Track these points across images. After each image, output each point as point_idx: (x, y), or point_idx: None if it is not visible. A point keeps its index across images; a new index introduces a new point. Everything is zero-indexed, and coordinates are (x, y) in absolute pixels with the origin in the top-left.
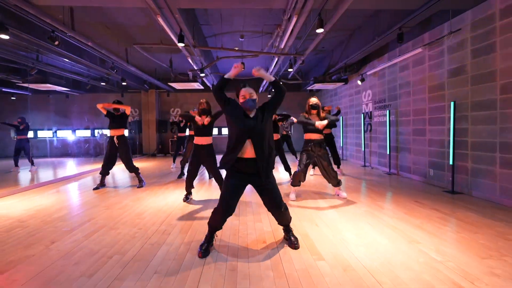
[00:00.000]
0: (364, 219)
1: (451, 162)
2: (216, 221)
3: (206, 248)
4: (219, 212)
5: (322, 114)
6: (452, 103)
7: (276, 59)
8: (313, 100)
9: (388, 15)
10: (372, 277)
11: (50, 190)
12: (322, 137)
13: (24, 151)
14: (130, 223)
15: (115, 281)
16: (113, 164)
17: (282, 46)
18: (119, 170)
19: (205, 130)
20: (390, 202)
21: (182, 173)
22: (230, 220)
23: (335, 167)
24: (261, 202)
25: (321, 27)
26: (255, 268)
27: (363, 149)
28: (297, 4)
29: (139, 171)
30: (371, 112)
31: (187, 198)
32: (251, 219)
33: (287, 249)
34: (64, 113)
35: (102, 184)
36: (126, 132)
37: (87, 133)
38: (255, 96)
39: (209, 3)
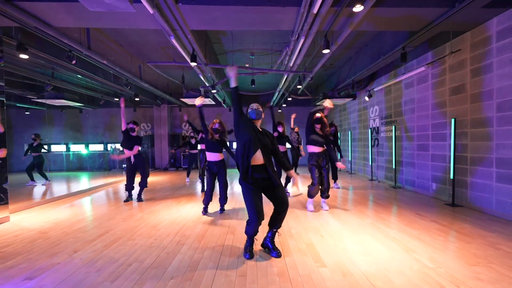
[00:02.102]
0: (366, 230)
1: (451, 176)
2: (253, 231)
3: (251, 250)
4: (255, 222)
5: (327, 129)
6: (453, 120)
7: (286, 76)
8: (317, 115)
9: (392, 34)
10: (368, 281)
11: (66, 203)
12: (325, 149)
13: (37, 167)
14: (146, 234)
15: (135, 285)
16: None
17: (291, 64)
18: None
19: (215, 146)
20: (393, 214)
21: (203, 187)
22: (240, 231)
23: (332, 181)
24: (268, 211)
25: (328, 48)
26: (262, 274)
27: (370, 163)
28: (304, 26)
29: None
30: (378, 127)
31: (205, 211)
32: (261, 229)
33: (292, 257)
34: (77, 128)
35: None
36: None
37: (100, 147)
38: (261, 108)
39: (220, 25)
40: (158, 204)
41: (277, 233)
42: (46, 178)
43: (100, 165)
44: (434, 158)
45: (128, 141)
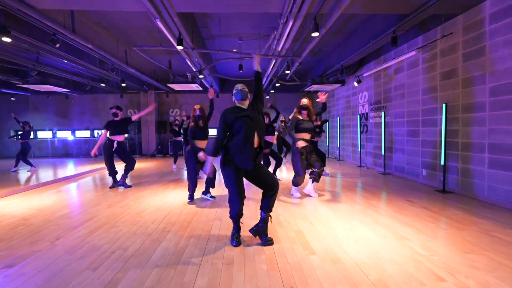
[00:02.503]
0: (357, 217)
1: (442, 163)
2: (237, 209)
3: (238, 237)
4: (237, 201)
5: (313, 117)
6: (444, 105)
7: (274, 61)
8: (304, 101)
9: (383, 19)
10: (360, 269)
11: (51, 190)
12: (311, 135)
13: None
14: (131, 221)
15: (118, 273)
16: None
17: (279, 49)
18: (119, 170)
19: (202, 133)
20: (383, 201)
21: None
22: (226, 218)
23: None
24: (257, 199)
25: (317, 31)
26: (250, 262)
27: (359, 149)
28: (293, 8)
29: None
30: (367, 113)
31: (191, 199)
32: (247, 215)
33: (280, 244)
34: (64, 114)
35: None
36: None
37: (87, 133)
38: (246, 89)
39: (206, 7)
40: (144, 190)
41: (270, 218)
42: (30, 164)
43: (87, 151)
44: (424, 144)
45: (115, 127)
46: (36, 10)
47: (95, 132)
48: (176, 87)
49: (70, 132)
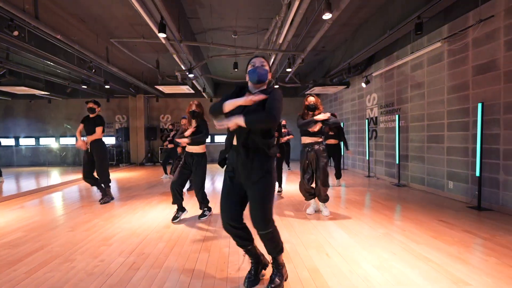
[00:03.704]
0: (384, 246)
1: (477, 174)
2: (230, 234)
3: (250, 277)
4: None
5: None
6: (479, 105)
7: (274, 57)
8: (311, 99)
9: (401, 5)
10: None
11: (14, 205)
12: (321, 139)
13: None
14: (91, 252)
15: None
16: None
17: (280, 41)
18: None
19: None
20: (410, 221)
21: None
22: (216, 248)
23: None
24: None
25: (329, 11)
26: None
27: (367, 158)
28: None
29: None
30: (376, 117)
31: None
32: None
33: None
34: (47, 120)
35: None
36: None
37: (65, 141)
38: (267, 66)
39: None
40: (122, 206)
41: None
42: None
43: (63, 160)
44: (450, 152)
45: (88, 125)
46: None
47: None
48: (165, 89)
49: (54, 139)
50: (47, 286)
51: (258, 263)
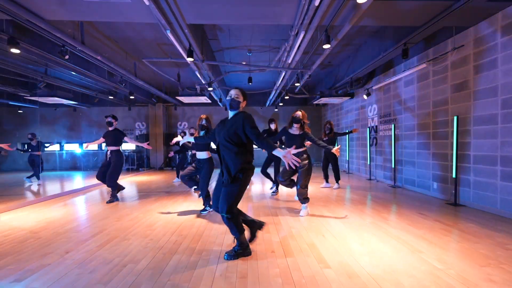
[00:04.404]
0: (369, 230)
1: (454, 175)
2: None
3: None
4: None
5: (308, 129)
6: (455, 118)
7: (284, 73)
8: (298, 113)
9: (393, 31)
10: (376, 283)
11: (58, 203)
12: (303, 148)
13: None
14: (141, 234)
15: (131, 287)
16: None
17: (289, 61)
18: (126, 183)
19: (201, 145)
20: (394, 214)
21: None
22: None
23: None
24: (270, 213)
25: (328, 43)
26: (264, 276)
27: (368, 162)
28: (305, 20)
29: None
30: (376, 126)
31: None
32: (260, 231)
33: (295, 258)
34: (72, 127)
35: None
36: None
37: (95, 146)
38: (240, 98)
39: (218, 18)
40: (154, 203)
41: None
42: (30, 178)
43: (94, 164)
44: (435, 157)
45: (107, 137)
46: (46, 21)
47: (103, 145)
48: (185, 99)
49: (77, 144)
50: (116, 254)
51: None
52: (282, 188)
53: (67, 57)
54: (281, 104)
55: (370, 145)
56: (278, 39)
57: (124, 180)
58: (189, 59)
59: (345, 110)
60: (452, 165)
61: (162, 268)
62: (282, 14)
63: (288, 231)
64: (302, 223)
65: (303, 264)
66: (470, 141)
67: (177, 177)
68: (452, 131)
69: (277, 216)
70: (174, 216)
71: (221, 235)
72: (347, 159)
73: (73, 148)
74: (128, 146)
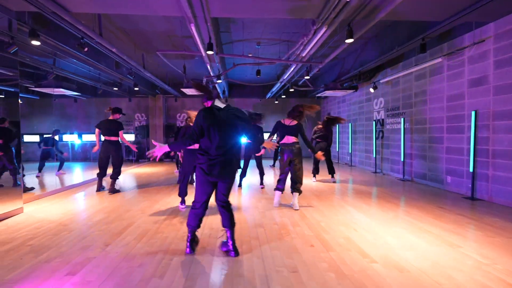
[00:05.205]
0: (397, 224)
1: (471, 169)
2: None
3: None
4: None
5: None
6: (473, 112)
7: (294, 66)
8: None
9: (407, 26)
10: (429, 277)
11: (75, 194)
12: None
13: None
14: (173, 226)
15: (188, 281)
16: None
17: (303, 55)
18: (133, 176)
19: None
20: (414, 207)
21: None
22: (270, 225)
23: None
24: (300, 208)
25: (351, 37)
26: (314, 270)
27: (374, 156)
28: (331, 14)
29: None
30: (383, 119)
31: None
32: (289, 222)
33: (337, 252)
34: (70, 117)
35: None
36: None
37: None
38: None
39: (242, 12)
40: (170, 195)
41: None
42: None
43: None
44: (449, 151)
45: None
46: (70, 13)
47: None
48: (189, 91)
49: (76, 135)
50: (157, 247)
51: None
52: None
53: (86, 49)
54: (283, 96)
55: (375, 138)
56: (289, 32)
57: (128, 171)
58: (209, 52)
59: (347, 103)
60: (468, 160)
61: (210, 261)
62: (308, 9)
63: (318, 225)
64: (327, 217)
65: (348, 258)
66: (488, 136)
67: (177, 167)
68: (468, 126)
69: (301, 209)
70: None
71: (252, 229)
72: (350, 151)
73: (72, 138)
74: (128, 137)
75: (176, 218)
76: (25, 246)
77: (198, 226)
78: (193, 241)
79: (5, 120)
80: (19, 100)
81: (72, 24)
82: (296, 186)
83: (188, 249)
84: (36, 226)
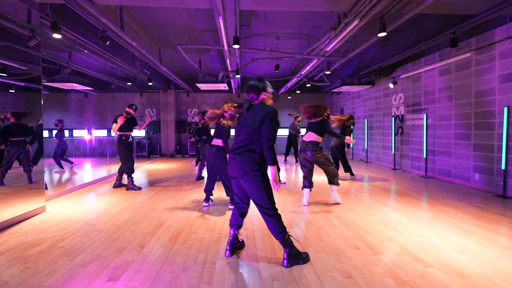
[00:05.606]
0: (436, 223)
1: (503, 167)
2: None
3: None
4: None
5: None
6: (505, 109)
7: (315, 60)
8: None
9: (434, 20)
10: (494, 284)
11: (94, 191)
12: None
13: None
14: (205, 227)
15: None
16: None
17: (328, 49)
18: (145, 172)
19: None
20: (448, 206)
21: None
22: (305, 225)
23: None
24: (322, 205)
25: (384, 31)
26: (370, 275)
27: (393, 152)
28: (366, 7)
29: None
30: (402, 115)
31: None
32: (324, 223)
33: (387, 255)
34: (81, 112)
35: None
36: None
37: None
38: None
39: (273, 5)
40: (192, 192)
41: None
42: (61, 165)
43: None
44: (477, 148)
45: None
46: (95, 5)
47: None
48: (203, 86)
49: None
50: (195, 250)
51: None
52: (317, 181)
53: (108, 43)
54: (298, 91)
55: (394, 134)
56: (310, 26)
57: (141, 168)
58: (235, 46)
59: (363, 98)
60: (499, 157)
61: (255, 265)
62: (342, 1)
63: (355, 225)
64: (362, 216)
65: (401, 262)
66: None
67: (196, 164)
68: (499, 122)
69: (330, 207)
70: (221, 207)
71: (290, 229)
72: (366, 147)
73: (82, 134)
74: (138, 132)
75: (205, 217)
76: (56, 248)
77: (240, 226)
78: (233, 244)
79: (21, 116)
80: (41, 100)
81: (96, 17)
82: (329, 179)
83: (227, 252)
84: (63, 226)
